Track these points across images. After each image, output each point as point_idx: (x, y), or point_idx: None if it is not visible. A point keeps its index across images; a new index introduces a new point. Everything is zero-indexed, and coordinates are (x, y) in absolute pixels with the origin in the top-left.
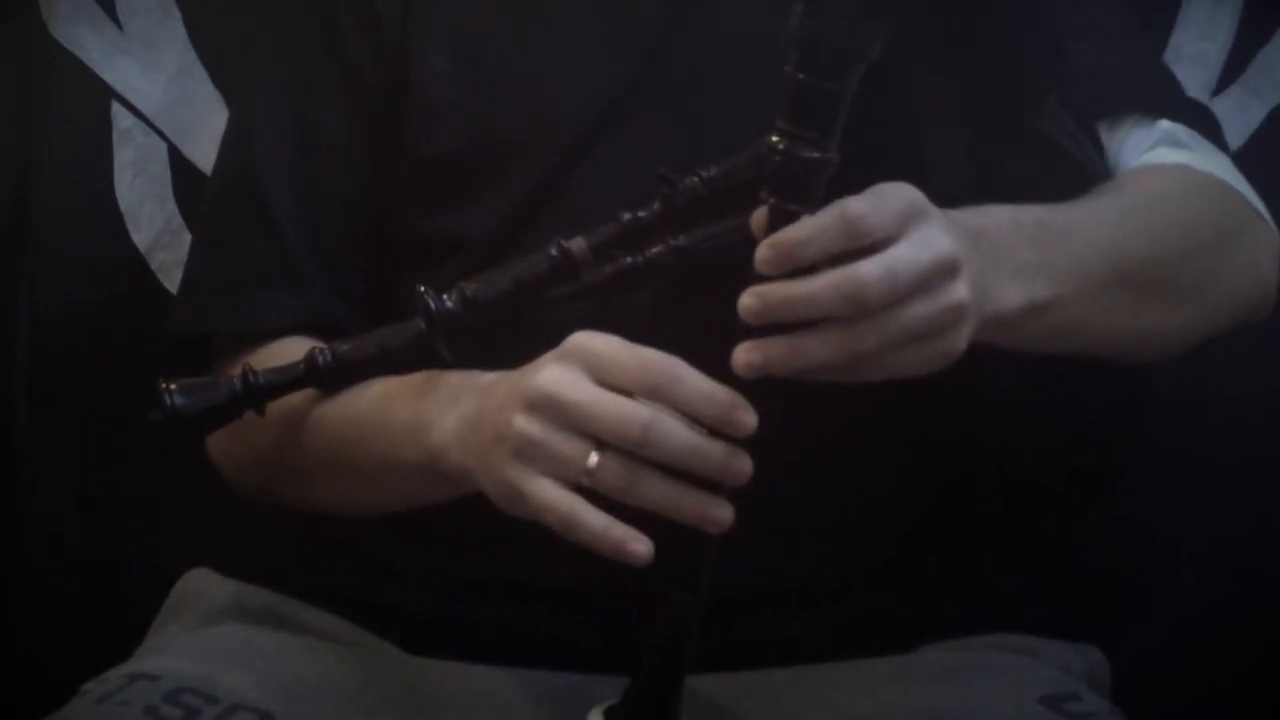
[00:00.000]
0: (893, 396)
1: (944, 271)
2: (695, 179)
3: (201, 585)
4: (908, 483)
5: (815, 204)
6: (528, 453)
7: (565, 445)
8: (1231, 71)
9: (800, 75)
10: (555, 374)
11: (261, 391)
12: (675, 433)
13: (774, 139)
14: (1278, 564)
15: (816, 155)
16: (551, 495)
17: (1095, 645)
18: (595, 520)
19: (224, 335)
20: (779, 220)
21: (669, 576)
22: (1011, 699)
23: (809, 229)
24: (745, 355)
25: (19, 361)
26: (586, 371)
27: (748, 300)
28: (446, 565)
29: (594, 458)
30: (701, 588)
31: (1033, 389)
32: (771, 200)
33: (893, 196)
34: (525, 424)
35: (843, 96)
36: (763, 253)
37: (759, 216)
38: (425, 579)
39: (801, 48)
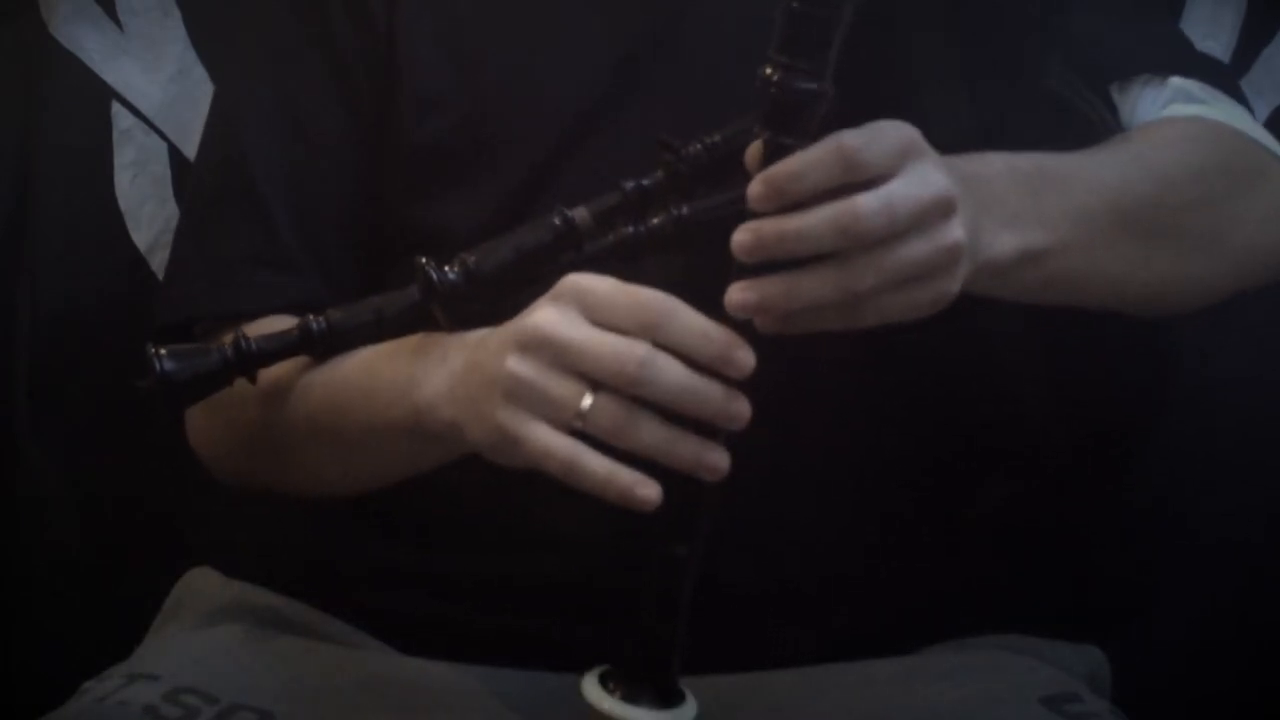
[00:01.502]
0: (895, 399)
1: (941, 210)
2: (698, 145)
3: (201, 585)
4: (908, 486)
5: (810, 139)
6: (520, 395)
7: (558, 386)
8: (1236, 71)
9: (794, 3)
10: (549, 314)
11: (254, 358)
12: (671, 370)
13: (768, 71)
14: (1279, 564)
15: (811, 86)
16: (551, 440)
17: (1096, 646)
18: (599, 465)
19: (210, 317)
20: (774, 155)
21: (664, 529)
22: (1012, 700)
23: (803, 162)
24: (739, 294)
25: (19, 361)
26: (581, 311)
27: (741, 236)
28: (444, 569)
29: (588, 399)
30: (698, 541)
31: (1035, 385)
32: (766, 134)
33: (890, 131)
34: (518, 365)
35: (837, 24)
36: (756, 188)
37: (754, 152)
38: (423, 582)
39: None
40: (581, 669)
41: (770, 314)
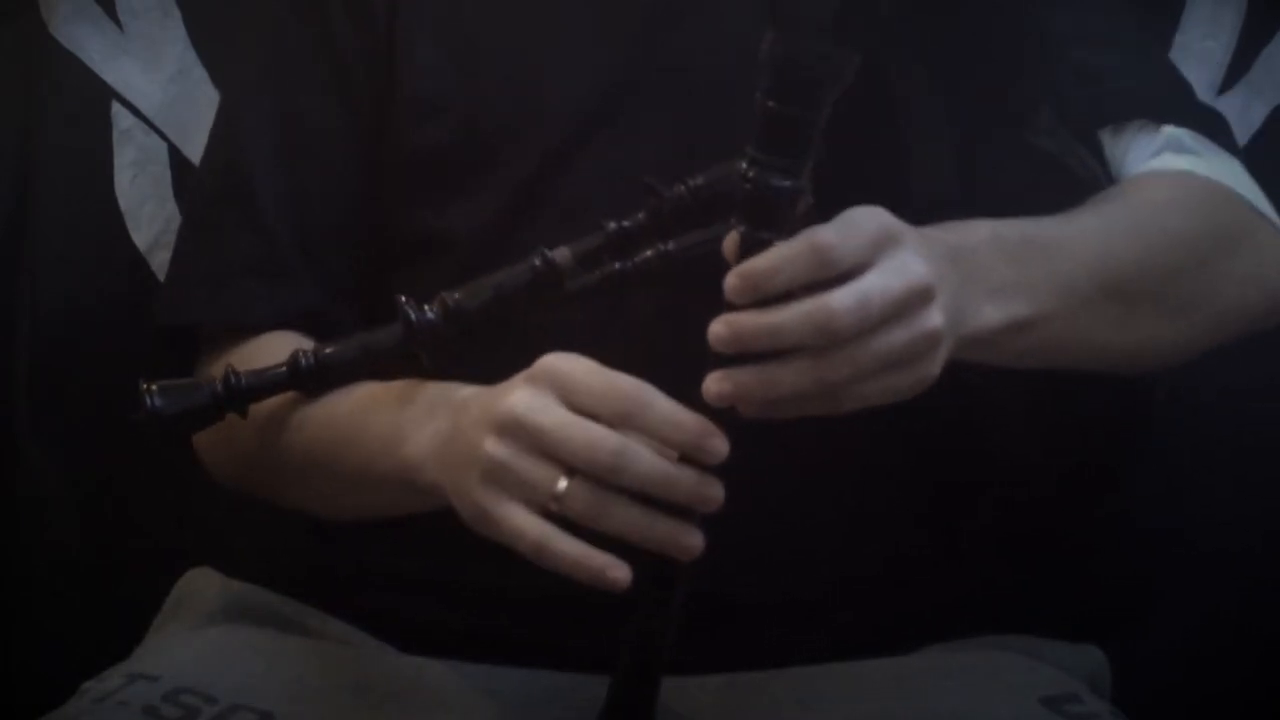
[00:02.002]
0: (891, 406)
1: (917, 298)
2: (681, 188)
3: (202, 585)
4: (908, 488)
5: (786, 231)
6: (497, 477)
7: (533, 470)
8: (1236, 70)
9: (770, 102)
10: (525, 397)
11: (243, 394)
12: (644, 460)
13: (743, 166)
14: (1279, 565)
15: (787, 184)
16: (523, 522)
17: (1096, 646)
18: (570, 548)
19: (209, 326)
20: (750, 248)
21: (638, 603)
22: (1012, 700)
23: (777, 259)
24: (715, 385)
25: (19, 361)
26: (556, 395)
27: (718, 329)
28: (443, 571)
29: (562, 483)
30: (671, 614)
31: (1031, 390)
32: (741, 228)
33: (863, 222)
34: (494, 447)
35: (814, 124)
36: (732, 282)
37: (730, 244)
38: (424, 588)
39: (772, 74)
40: (584, 669)
41: (748, 403)
